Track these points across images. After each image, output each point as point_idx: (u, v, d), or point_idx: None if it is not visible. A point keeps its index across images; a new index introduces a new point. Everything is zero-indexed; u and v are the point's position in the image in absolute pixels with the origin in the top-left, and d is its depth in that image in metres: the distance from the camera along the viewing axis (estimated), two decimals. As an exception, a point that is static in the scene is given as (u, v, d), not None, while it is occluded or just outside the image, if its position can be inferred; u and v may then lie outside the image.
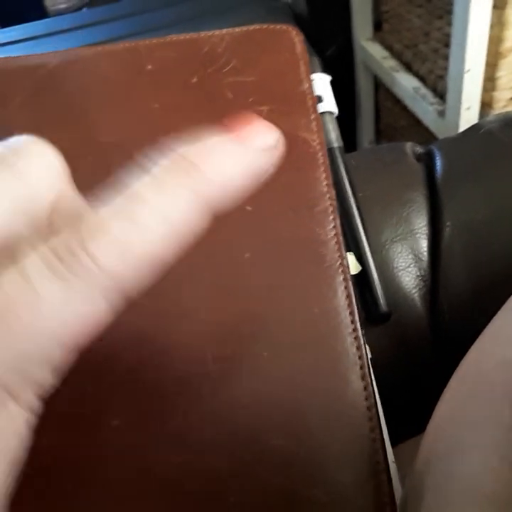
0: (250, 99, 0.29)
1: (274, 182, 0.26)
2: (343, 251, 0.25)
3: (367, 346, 0.27)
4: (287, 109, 0.28)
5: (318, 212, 0.25)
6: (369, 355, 0.27)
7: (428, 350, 0.32)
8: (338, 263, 0.24)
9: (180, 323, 0.23)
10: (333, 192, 0.26)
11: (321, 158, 0.27)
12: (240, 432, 0.21)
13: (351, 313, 0.23)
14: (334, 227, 0.25)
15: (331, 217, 0.25)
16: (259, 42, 0.31)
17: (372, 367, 0.27)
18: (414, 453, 0.24)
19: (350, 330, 0.23)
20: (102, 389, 0.22)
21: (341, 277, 0.24)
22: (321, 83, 0.36)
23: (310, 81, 0.29)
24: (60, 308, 0.12)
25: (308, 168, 0.27)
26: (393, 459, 0.25)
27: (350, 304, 0.24)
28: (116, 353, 0.23)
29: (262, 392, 0.22)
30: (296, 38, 0.31)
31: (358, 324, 0.23)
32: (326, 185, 0.26)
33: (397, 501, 0.23)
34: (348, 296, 0.24)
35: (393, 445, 0.26)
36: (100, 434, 0.22)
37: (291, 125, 0.28)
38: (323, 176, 0.26)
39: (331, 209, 0.26)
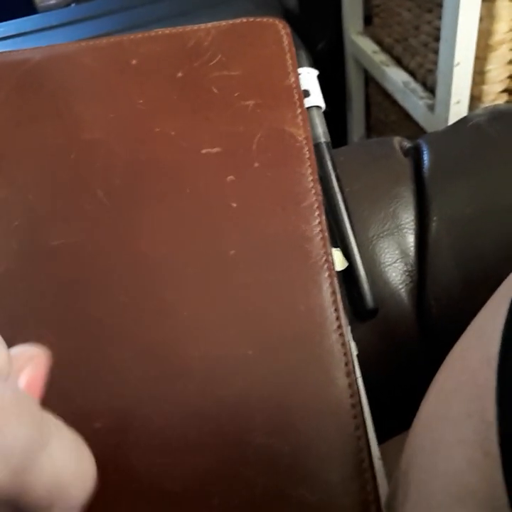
0: (236, 94, 0.28)
1: (260, 177, 0.26)
2: (329, 247, 0.25)
3: (353, 342, 0.27)
4: (273, 103, 0.28)
5: (303, 208, 0.25)
6: (355, 352, 0.27)
7: (415, 345, 0.32)
8: (324, 260, 0.24)
9: (163, 321, 0.23)
10: (319, 187, 0.26)
11: (307, 153, 0.27)
12: (224, 431, 0.21)
13: (336, 310, 0.23)
14: (320, 223, 0.25)
15: (317, 213, 0.25)
16: (246, 35, 0.30)
17: (359, 363, 0.27)
18: (400, 450, 0.24)
19: (335, 327, 0.23)
20: (85, 391, 0.22)
21: (326, 274, 0.24)
22: (309, 77, 0.36)
23: (297, 74, 0.29)
24: None
25: (294, 163, 0.26)
26: (379, 456, 0.24)
27: (335, 301, 0.23)
28: (99, 352, 0.23)
29: (247, 391, 0.22)
30: (283, 30, 0.31)
31: (344, 321, 0.23)
32: (312, 180, 0.26)
33: (383, 498, 0.23)
34: (334, 292, 0.23)
35: (380, 442, 0.26)
36: (82, 436, 0.21)
37: (277, 119, 0.27)
38: (309, 171, 0.26)
39: (316, 205, 0.25)
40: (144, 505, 0.21)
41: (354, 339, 0.28)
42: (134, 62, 0.29)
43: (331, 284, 0.24)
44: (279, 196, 0.26)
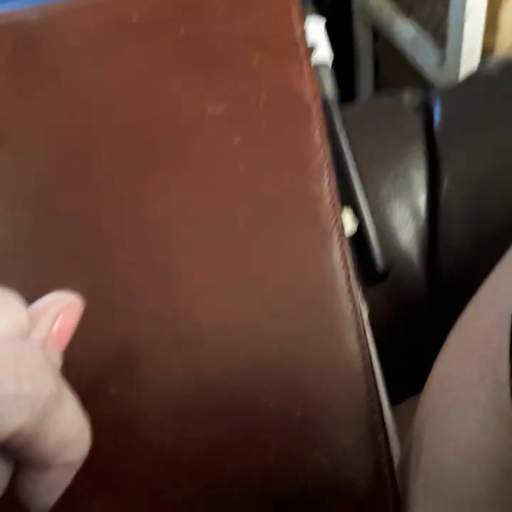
0: (240, 50, 0.27)
1: (267, 137, 0.25)
2: (339, 208, 0.24)
3: (364, 304, 0.27)
4: (279, 59, 0.27)
5: (312, 168, 0.24)
6: (366, 313, 0.26)
7: (426, 307, 0.31)
8: (334, 222, 0.24)
9: (174, 288, 0.23)
10: (328, 147, 0.25)
11: (315, 111, 0.26)
12: (236, 396, 0.21)
13: (347, 273, 0.23)
14: (329, 183, 0.24)
15: (326, 173, 0.24)
16: None
17: (370, 325, 0.26)
18: (412, 412, 0.24)
19: (346, 291, 0.23)
20: (98, 358, 0.22)
21: (337, 237, 0.23)
22: (315, 29, 0.34)
23: (303, 27, 0.28)
24: None
25: (302, 121, 0.26)
26: (392, 419, 0.24)
27: (345, 264, 0.23)
28: (111, 320, 0.23)
29: (258, 357, 0.22)
30: None
31: (354, 284, 0.23)
32: (320, 139, 0.25)
33: (396, 460, 0.24)
34: (344, 256, 0.23)
35: (392, 405, 0.26)
36: (97, 404, 0.21)
37: (284, 76, 0.26)
38: (317, 130, 0.25)
39: (325, 164, 0.25)
40: (158, 470, 0.21)
41: (364, 301, 0.28)
42: (134, 20, 0.28)
43: (341, 247, 0.23)
44: (287, 157, 0.25)
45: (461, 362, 0.21)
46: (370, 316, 0.28)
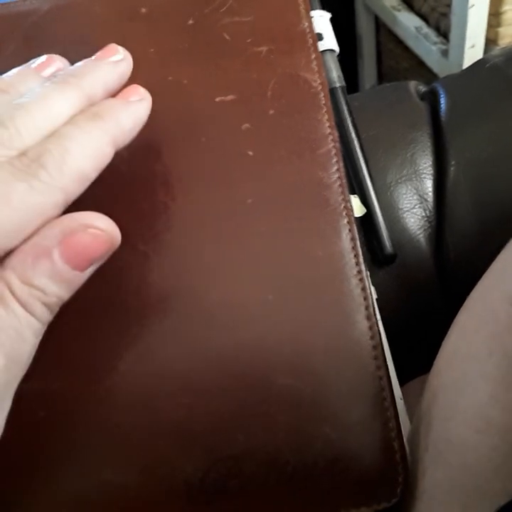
0: (248, 40, 0.27)
1: (275, 125, 0.26)
2: (347, 194, 0.24)
3: (372, 287, 0.27)
4: (287, 48, 0.27)
5: (320, 155, 0.25)
6: (375, 296, 0.27)
7: (434, 290, 0.32)
8: (342, 206, 0.24)
9: (184, 268, 0.23)
10: (336, 134, 0.26)
11: (323, 99, 0.26)
12: (246, 372, 0.22)
13: (356, 255, 0.23)
14: (338, 169, 0.25)
15: (335, 160, 0.25)
16: None
17: (379, 308, 0.27)
18: (421, 390, 0.24)
19: (355, 272, 0.23)
20: (108, 335, 0.23)
21: (345, 220, 0.24)
22: (321, 20, 0.35)
23: (310, 18, 0.28)
24: (24, 196, 0.18)
25: (310, 109, 0.26)
26: (401, 396, 0.25)
27: (354, 247, 0.23)
28: (121, 298, 0.23)
29: (268, 335, 0.22)
30: None
31: (363, 266, 0.23)
32: (329, 127, 0.26)
33: (405, 436, 0.24)
34: (353, 238, 0.24)
35: (401, 384, 0.26)
36: (110, 378, 0.22)
37: (292, 65, 0.27)
38: (326, 117, 0.26)
39: (333, 151, 0.25)
40: (171, 444, 0.21)
41: (373, 284, 0.28)
42: (143, 10, 0.29)
43: (351, 230, 0.24)
44: (296, 143, 0.25)
45: (469, 338, 0.21)
46: (378, 297, 0.28)
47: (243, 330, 0.22)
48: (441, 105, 0.35)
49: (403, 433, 0.23)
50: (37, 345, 0.19)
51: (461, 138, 0.33)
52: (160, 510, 0.21)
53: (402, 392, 0.26)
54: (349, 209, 0.24)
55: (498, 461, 0.18)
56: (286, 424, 0.21)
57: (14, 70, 0.23)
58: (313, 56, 0.27)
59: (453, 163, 0.32)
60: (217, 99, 0.26)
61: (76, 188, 0.20)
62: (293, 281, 0.23)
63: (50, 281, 0.18)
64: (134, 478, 0.21)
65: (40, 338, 0.19)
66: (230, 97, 0.26)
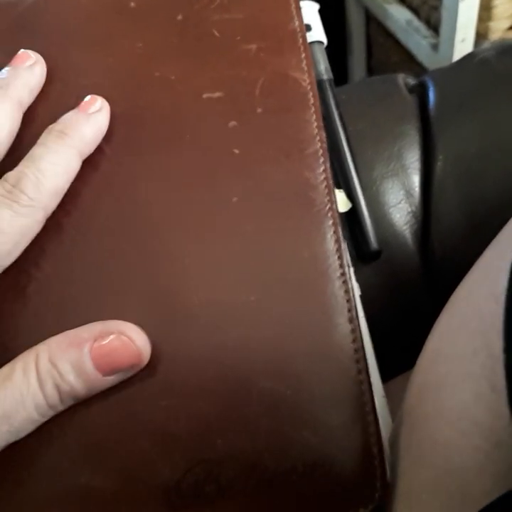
0: (238, 38, 0.27)
1: (263, 123, 0.25)
2: (333, 195, 0.24)
3: (356, 284, 0.27)
4: (277, 47, 0.27)
5: (307, 155, 0.25)
6: (358, 293, 0.27)
7: (419, 286, 0.32)
8: (328, 207, 0.24)
9: (166, 267, 0.23)
10: (324, 134, 0.25)
11: (312, 98, 0.26)
12: (227, 375, 0.21)
13: (340, 257, 0.23)
14: (324, 170, 0.24)
15: (321, 161, 0.25)
16: None
17: (363, 304, 0.26)
18: (405, 387, 0.24)
19: (339, 274, 0.23)
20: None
21: (330, 222, 0.24)
22: (310, 11, 0.34)
23: (301, 17, 0.28)
24: (12, 221, 0.21)
25: (298, 109, 0.26)
26: (384, 394, 0.25)
27: (338, 249, 0.23)
28: (102, 297, 0.23)
29: (250, 336, 0.22)
30: None
31: (347, 269, 0.23)
32: (317, 127, 0.25)
33: (388, 434, 0.24)
34: (337, 240, 0.23)
35: (384, 380, 0.26)
36: None
37: (281, 64, 0.26)
38: (314, 117, 0.25)
39: (320, 152, 0.25)
40: (149, 446, 0.21)
41: (357, 280, 0.28)
42: (132, 4, 0.28)
43: (335, 232, 0.23)
44: (283, 143, 0.25)
45: (453, 337, 0.21)
46: (362, 294, 0.28)
47: (225, 331, 0.22)
48: (430, 99, 0.34)
49: (385, 432, 0.23)
50: (36, 425, 0.20)
51: (449, 132, 0.32)
52: None
53: (386, 389, 0.25)
54: (334, 210, 0.24)
55: (481, 462, 0.18)
56: (266, 428, 0.21)
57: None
58: (303, 56, 0.27)
59: (440, 157, 0.32)
60: (204, 96, 0.26)
61: (54, 202, 0.23)
62: (276, 281, 0.23)
63: (71, 369, 0.20)
64: (111, 481, 0.21)
65: (41, 419, 0.20)
66: (217, 94, 0.26)
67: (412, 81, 0.37)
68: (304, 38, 0.27)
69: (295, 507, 0.20)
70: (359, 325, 0.22)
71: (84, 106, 0.25)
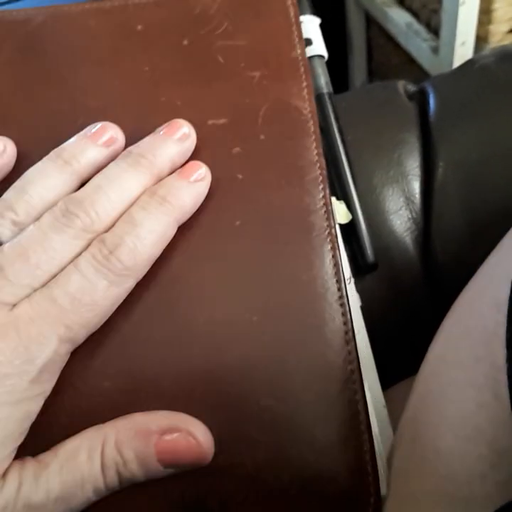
0: (242, 65, 0.28)
1: (265, 150, 0.26)
2: (332, 220, 0.25)
3: (357, 295, 0.27)
4: (279, 75, 0.28)
5: (308, 182, 0.25)
6: (359, 304, 0.27)
7: (420, 292, 0.32)
8: (327, 232, 0.25)
9: (170, 286, 0.23)
10: (323, 161, 0.26)
11: (312, 126, 0.27)
12: (229, 392, 0.22)
13: (338, 281, 0.24)
14: (323, 196, 0.25)
15: (321, 187, 0.25)
16: (252, 5, 0.30)
17: (364, 311, 0.27)
18: (406, 395, 0.24)
19: (337, 297, 0.24)
20: (93, 350, 0.22)
21: (329, 246, 0.24)
22: (311, 26, 0.35)
23: (303, 46, 0.29)
24: (106, 292, 0.21)
25: (299, 136, 0.26)
26: (384, 404, 0.25)
27: (337, 272, 0.24)
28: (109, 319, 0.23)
29: (252, 355, 0.23)
30: (290, 1, 0.30)
31: (344, 292, 0.24)
32: (317, 154, 0.26)
33: (389, 443, 0.24)
34: (336, 265, 0.24)
35: (386, 387, 0.26)
36: (92, 395, 0.22)
37: (283, 92, 0.27)
38: (314, 145, 0.26)
39: (320, 178, 0.26)
40: None
41: (359, 288, 0.28)
42: (139, 27, 0.29)
43: (334, 256, 0.24)
44: (284, 169, 0.26)
45: (456, 344, 0.21)
46: (364, 300, 0.28)
47: (227, 349, 0.23)
48: (430, 106, 0.34)
49: (386, 442, 0.24)
50: (90, 503, 0.20)
51: (449, 139, 0.33)
52: None
53: (387, 396, 0.25)
54: (333, 235, 0.25)
55: (484, 471, 0.18)
56: (266, 445, 0.22)
57: (72, 139, 0.25)
58: (305, 84, 0.28)
59: (441, 164, 0.32)
60: (209, 123, 0.27)
61: (145, 270, 0.23)
62: (277, 303, 0.23)
63: (135, 459, 0.20)
64: (114, 495, 0.21)
65: (96, 499, 0.20)
66: (222, 121, 0.27)
67: (412, 88, 0.37)
68: (306, 66, 0.28)
69: None
70: (356, 345, 0.23)
71: (188, 172, 0.24)
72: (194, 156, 0.26)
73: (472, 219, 0.31)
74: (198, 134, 0.26)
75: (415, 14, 0.85)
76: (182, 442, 0.20)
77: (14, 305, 0.20)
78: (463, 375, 0.20)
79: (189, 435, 0.20)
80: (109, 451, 0.20)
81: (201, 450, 0.21)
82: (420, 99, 0.36)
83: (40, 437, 0.21)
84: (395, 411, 0.25)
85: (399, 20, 0.85)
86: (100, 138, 0.25)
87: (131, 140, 0.25)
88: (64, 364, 0.21)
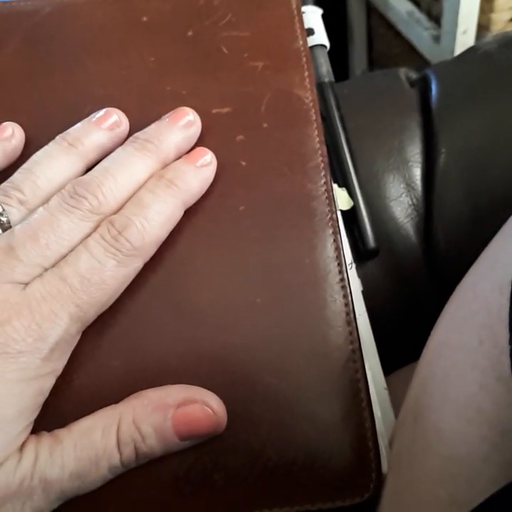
0: (245, 55, 0.29)
1: (268, 138, 0.27)
2: (333, 205, 0.26)
3: (358, 279, 0.28)
4: (282, 65, 0.28)
5: (310, 168, 0.26)
6: (360, 289, 0.27)
7: (422, 278, 0.32)
8: (328, 217, 0.25)
9: (177, 269, 0.24)
10: (325, 148, 0.27)
11: (314, 115, 0.27)
12: (235, 372, 0.23)
13: (339, 264, 0.25)
14: (325, 183, 0.26)
15: (322, 174, 0.26)
16: None
17: (366, 297, 0.27)
18: (408, 379, 0.24)
19: (338, 279, 0.24)
20: (102, 330, 0.23)
21: (331, 230, 0.25)
22: (313, 16, 0.35)
23: (305, 37, 0.29)
24: (115, 272, 0.22)
25: (302, 124, 0.27)
26: (385, 386, 0.25)
27: (338, 256, 0.25)
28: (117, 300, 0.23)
29: (256, 336, 0.23)
30: None
31: (345, 274, 0.24)
32: (318, 142, 0.27)
33: (391, 427, 0.24)
34: (337, 248, 0.25)
35: (388, 373, 0.26)
36: (101, 375, 0.22)
37: (286, 82, 0.28)
38: (316, 132, 0.27)
39: (322, 165, 0.26)
40: None
41: (360, 274, 0.28)
42: (144, 19, 0.29)
43: (335, 240, 0.25)
44: (287, 156, 0.26)
45: (459, 328, 0.21)
46: (365, 287, 0.28)
47: (232, 330, 0.23)
48: (432, 92, 0.34)
49: (387, 424, 0.24)
50: (106, 481, 0.21)
51: (451, 125, 0.33)
52: (146, 500, 0.21)
53: (389, 381, 0.26)
54: (334, 220, 0.25)
55: (487, 451, 0.18)
56: (270, 422, 0.22)
57: (77, 125, 0.25)
58: (306, 74, 0.28)
59: (443, 150, 0.32)
60: (213, 111, 0.27)
61: (153, 251, 0.23)
62: (280, 285, 0.24)
63: (154, 433, 0.21)
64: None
65: (111, 477, 0.21)
66: (226, 110, 0.27)
67: (413, 75, 0.37)
68: (308, 56, 0.29)
69: (295, 495, 0.22)
70: (357, 326, 0.24)
71: (194, 157, 0.25)
72: (199, 143, 0.26)
73: (474, 205, 0.31)
74: (202, 122, 0.26)
75: (416, 2, 0.84)
76: (199, 413, 0.21)
77: (26, 284, 0.21)
78: (466, 357, 0.20)
79: (205, 405, 0.21)
80: (125, 429, 0.20)
81: (217, 419, 0.21)
82: (422, 86, 0.36)
83: (52, 415, 0.21)
84: (396, 396, 0.25)
85: (400, 8, 0.85)
86: (104, 122, 0.25)
87: (137, 128, 0.26)
88: (74, 344, 0.22)
